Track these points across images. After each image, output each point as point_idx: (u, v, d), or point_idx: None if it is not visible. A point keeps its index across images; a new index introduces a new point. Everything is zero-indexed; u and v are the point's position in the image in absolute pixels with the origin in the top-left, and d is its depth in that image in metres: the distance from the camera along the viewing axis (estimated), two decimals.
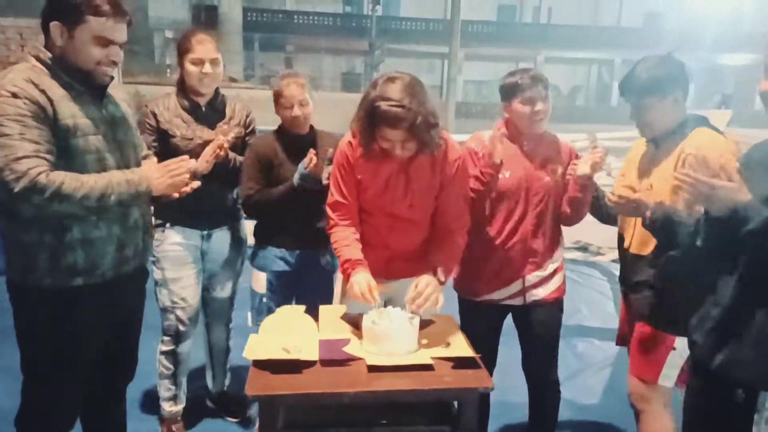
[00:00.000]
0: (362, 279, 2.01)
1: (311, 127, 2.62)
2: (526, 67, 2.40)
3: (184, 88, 2.58)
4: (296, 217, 2.50)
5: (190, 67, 2.51)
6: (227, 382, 3.01)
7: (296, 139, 2.56)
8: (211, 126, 2.59)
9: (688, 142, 2.03)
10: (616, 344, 2.47)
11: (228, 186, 2.65)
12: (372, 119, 1.92)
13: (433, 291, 1.95)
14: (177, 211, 2.44)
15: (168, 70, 18.64)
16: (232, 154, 2.58)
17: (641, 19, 32.96)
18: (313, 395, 1.64)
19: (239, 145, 2.64)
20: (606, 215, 2.49)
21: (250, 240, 2.79)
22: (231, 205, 2.71)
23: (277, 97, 2.54)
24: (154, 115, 2.52)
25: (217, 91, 2.63)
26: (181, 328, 2.66)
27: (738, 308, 1.62)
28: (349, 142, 2.12)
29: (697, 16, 24.67)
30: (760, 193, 1.53)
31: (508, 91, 2.33)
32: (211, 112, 2.61)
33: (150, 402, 2.75)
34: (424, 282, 1.97)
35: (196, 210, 2.51)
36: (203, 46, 2.51)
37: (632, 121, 2.17)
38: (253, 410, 2.90)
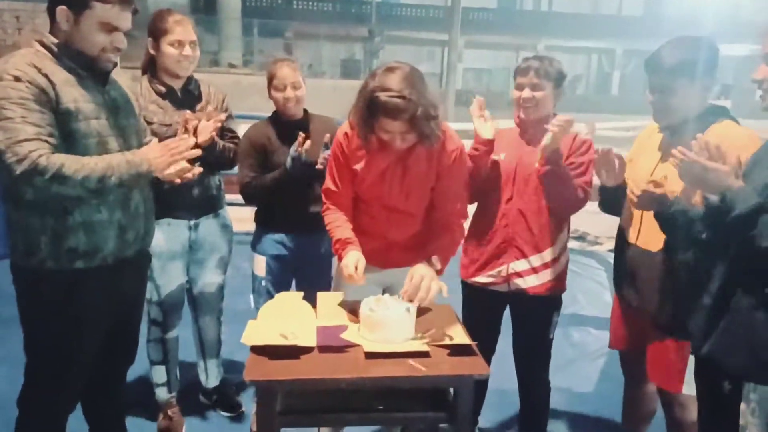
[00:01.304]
0: (351, 261, 2.00)
1: (305, 111, 2.62)
2: (542, 56, 2.35)
3: (155, 72, 2.48)
4: (291, 201, 2.52)
5: (169, 50, 2.40)
6: (220, 376, 2.93)
7: (290, 125, 2.55)
8: (189, 110, 2.48)
9: (711, 133, 1.83)
10: (610, 347, 2.37)
11: (212, 172, 2.58)
12: (371, 110, 1.90)
13: (428, 282, 1.93)
14: (164, 202, 2.31)
15: None
16: (216, 138, 2.49)
17: (642, 7, 32.83)
18: (311, 381, 1.66)
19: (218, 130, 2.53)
20: (608, 203, 2.24)
21: (235, 227, 2.81)
22: (215, 192, 2.66)
23: (270, 79, 2.53)
24: None
25: (190, 74, 2.54)
26: (167, 318, 2.63)
27: (726, 297, 1.61)
28: (346, 133, 2.11)
29: (697, 5, 24.54)
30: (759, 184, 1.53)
31: (514, 75, 2.38)
32: (186, 97, 2.53)
33: (150, 386, 2.76)
34: (419, 274, 1.95)
35: (183, 199, 2.48)
36: (183, 27, 2.41)
37: (648, 103, 2.00)
38: (247, 402, 2.89)
